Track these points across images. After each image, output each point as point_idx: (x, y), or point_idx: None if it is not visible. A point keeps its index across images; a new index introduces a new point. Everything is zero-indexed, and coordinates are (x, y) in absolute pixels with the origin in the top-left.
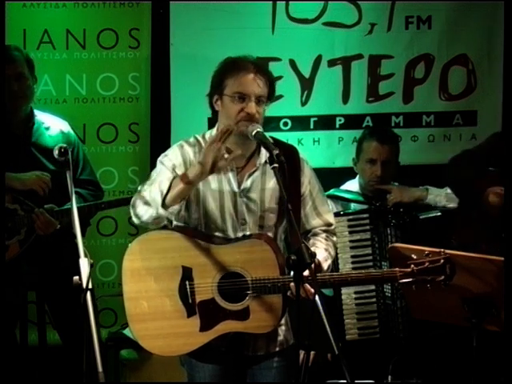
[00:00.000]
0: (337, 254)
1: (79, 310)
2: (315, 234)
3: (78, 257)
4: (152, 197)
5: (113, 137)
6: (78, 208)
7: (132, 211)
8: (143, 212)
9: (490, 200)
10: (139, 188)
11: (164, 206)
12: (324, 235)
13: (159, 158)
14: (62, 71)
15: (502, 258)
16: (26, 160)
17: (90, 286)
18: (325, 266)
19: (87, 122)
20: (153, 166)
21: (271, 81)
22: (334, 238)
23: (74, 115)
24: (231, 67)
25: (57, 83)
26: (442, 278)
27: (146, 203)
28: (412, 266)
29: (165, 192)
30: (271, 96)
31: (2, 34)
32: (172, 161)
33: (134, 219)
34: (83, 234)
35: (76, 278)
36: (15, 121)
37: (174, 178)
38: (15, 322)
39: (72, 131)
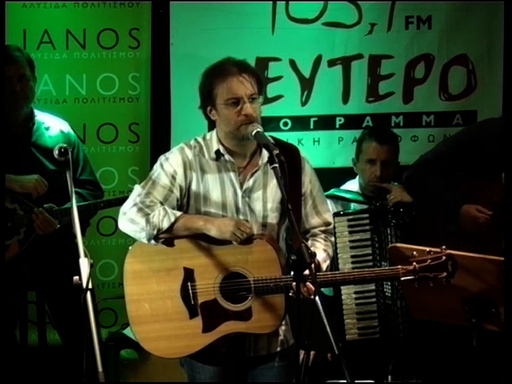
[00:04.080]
0: (337, 253)
1: (79, 310)
2: (314, 235)
3: (78, 257)
4: (146, 228)
5: (113, 137)
6: (77, 207)
7: (122, 222)
8: (131, 232)
9: (473, 215)
10: (136, 192)
11: (156, 238)
12: (323, 236)
13: (160, 160)
14: (62, 71)
15: (502, 258)
16: (26, 160)
17: (90, 286)
18: (324, 266)
19: (87, 122)
20: (153, 165)
21: (257, 76)
22: (332, 238)
23: (74, 115)
24: (215, 75)
25: (57, 83)
26: (445, 274)
27: (139, 227)
28: (414, 263)
29: (162, 228)
30: (261, 90)
31: (2, 33)
32: (173, 166)
33: (120, 227)
34: (83, 234)
35: (76, 277)
36: (15, 121)
37: (176, 219)
38: (15, 322)
39: (72, 131)
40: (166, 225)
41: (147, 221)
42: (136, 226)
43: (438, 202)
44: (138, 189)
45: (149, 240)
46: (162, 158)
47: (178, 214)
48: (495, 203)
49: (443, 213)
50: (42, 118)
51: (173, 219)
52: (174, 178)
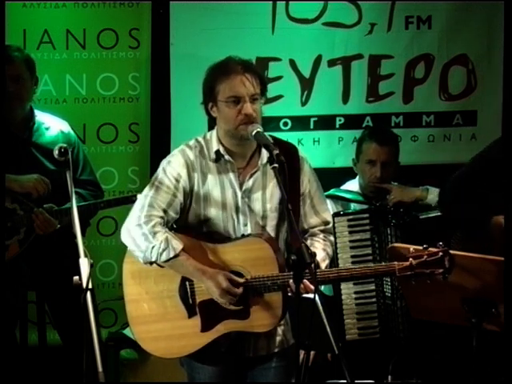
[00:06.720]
0: (337, 253)
1: (79, 310)
2: (313, 235)
3: (78, 257)
4: (145, 254)
5: (113, 137)
6: (77, 207)
7: (125, 237)
8: (130, 248)
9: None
10: (139, 204)
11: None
12: (322, 235)
13: (163, 165)
14: (62, 71)
15: (502, 258)
16: (26, 160)
17: (90, 286)
18: (323, 265)
19: (87, 122)
20: (153, 165)
21: (261, 76)
22: (331, 238)
23: (74, 115)
24: (219, 72)
25: (57, 83)
26: (441, 270)
27: (139, 249)
28: (410, 259)
29: (160, 261)
30: (264, 91)
31: (2, 34)
32: (176, 169)
33: (122, 239)
34: (83, 234)
35: (76, 277)
36: (14, 121)
37: (176, 256)
38: (15, 322)
39: (72, 131)
40: (164, 258)
41: (148, 248)
42: (136, 247)
43: (471, 222)
44: (141, 200)
45: (144, 263)
46: (164, 162)
47: (179, 249)
48: None
49: (475, 228)
50: (42, 118)
51: (172, 255)
52: (177, 181)
